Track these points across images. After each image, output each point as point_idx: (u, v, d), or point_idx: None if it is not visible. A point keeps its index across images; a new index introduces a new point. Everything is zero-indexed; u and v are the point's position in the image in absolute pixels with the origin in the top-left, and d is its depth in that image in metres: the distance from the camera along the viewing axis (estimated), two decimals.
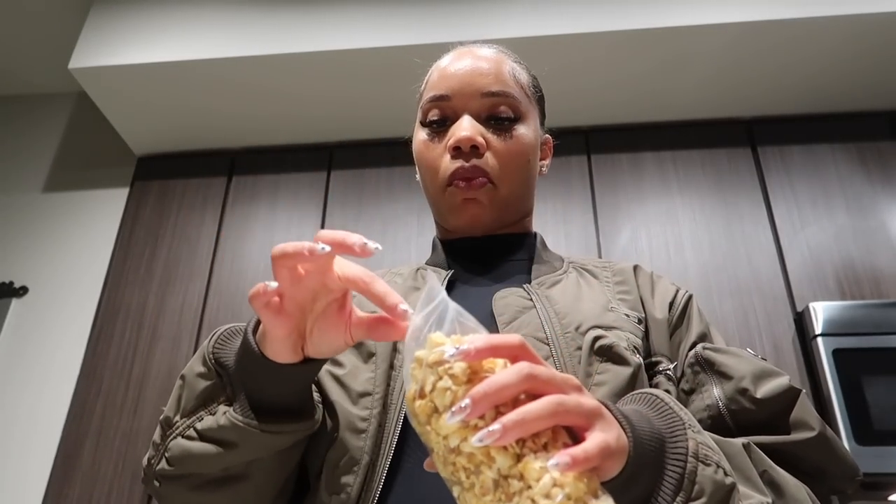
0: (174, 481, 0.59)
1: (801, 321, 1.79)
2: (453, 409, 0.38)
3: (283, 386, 0.56)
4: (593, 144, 2.16)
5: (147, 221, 2.19)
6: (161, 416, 0.61)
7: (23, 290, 2.21)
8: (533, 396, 0.40)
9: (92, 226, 2.29)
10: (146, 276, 2.09)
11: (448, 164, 0.73)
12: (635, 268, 0.78)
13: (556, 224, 2.02)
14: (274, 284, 0.48)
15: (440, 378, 0.40)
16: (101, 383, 1.93)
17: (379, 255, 2.02)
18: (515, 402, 0.39)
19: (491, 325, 0.65)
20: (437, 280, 0.45)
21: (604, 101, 2.13)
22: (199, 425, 0.58)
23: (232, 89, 2.07)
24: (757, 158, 2.09)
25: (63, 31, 2.35)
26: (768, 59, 1.97)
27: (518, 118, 0.75)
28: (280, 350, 0.52)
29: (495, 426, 0.37)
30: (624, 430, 0.43)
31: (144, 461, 0.62)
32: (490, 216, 0.74)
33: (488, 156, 0.72)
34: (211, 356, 0.59)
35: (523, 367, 0.40)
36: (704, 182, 2.07)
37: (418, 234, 2.06)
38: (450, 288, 0.73)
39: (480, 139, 0.71)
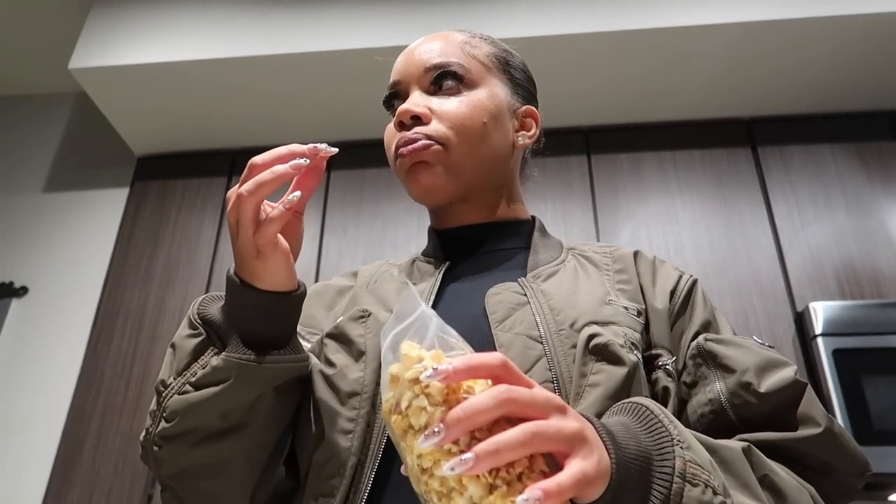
0: (174, 441, 0.59)
1: (801, 321, 1.79)
2: (426, 432, 0.37)
3: (272, 319, 0.59)
4: (593, 144, 2.16)
5: (147, 221, 2.19)
6: (155, 384, 0.62)
7: (23, 290, 2.20)
8: (512, 420, 0.39)
9: (92, 226, 2.29)
10: (146, 276, 2.09)
11: (394, 138, 0.73)
12: (636, 254, 0.76)
13: (556, 224, 2.02)
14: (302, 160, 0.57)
15: (416, 396, 0.39)
16: (101, 383, 1.93)
17: (379, 256, 2.02)
18: (493, 426, 0.38)
19: (483, 323, 0.64)
20: (415, 291, 0.44)
21: (604, 101, 2.13)
22: (192, 379, 0.59)
23: (232, 89, 2.07)
24: (757, 158, 2.09)
25: (63, 31, 2.35)
26: (768, 59, 1.97)
27: (466, 84, 0.73)
28: (279, 274, 0.58)
29: (468, 455, 0.36)
30: (608, 451, 0.42)
31: (142, 436, 0.62)
32: (445, 180, 0.70)
33: (434, 122, 0.71)
34: (196, 316, 0.61)
35: (501, 390, 0.38)
36: (704, 182, 2.07)
37: (418, 233, 2.06)
38: (444, 282, 0.71)
39: (421, 109, 0.70)
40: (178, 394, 0.59)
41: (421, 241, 2.04)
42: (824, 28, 1.86)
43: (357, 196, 2.15)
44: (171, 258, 2.11)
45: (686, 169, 2.10)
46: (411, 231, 2.07)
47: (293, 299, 0.60)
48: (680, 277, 0.72)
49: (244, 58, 1.97)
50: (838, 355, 1.67)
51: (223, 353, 0.58)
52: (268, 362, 0.58)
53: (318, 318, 0.74)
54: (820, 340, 1.70)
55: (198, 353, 0.60)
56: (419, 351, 0.41)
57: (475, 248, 0.75)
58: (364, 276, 0.79)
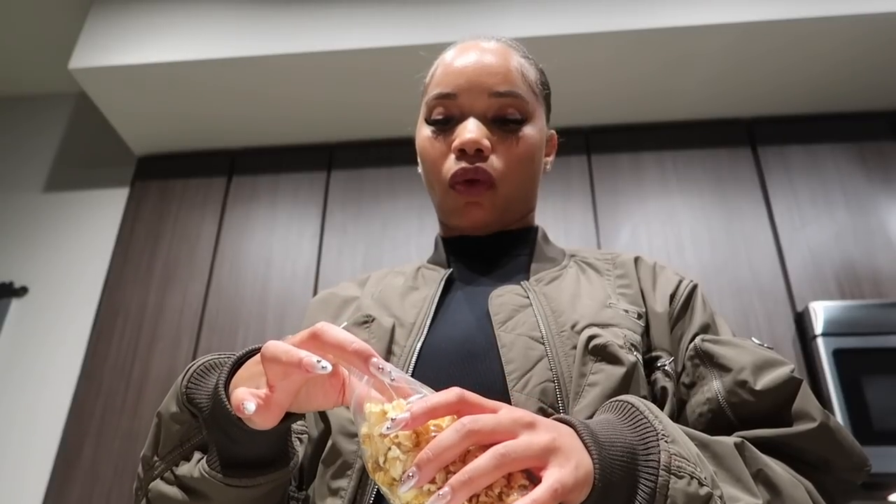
0: None
1: (801, 321, 1.79)
2: (402, 478, 0.39)
3: (258, 444, 0.54)
4: (593, 144, 2.16)
5: (147, 221, 2.19)
6: (141, 453, 0.60)
7: (23, 290, 2.20)
8: (486, 446, 0.40)
9: (92, 226, 2.29)
10: (146, 276, 2.09)
11: (451, 164, 0.72)
12: (636, 260, 0.77)
13: (556, 224, 2.02)
14: (251, 407, 0.45)
15: (389, 449, 0.41)
16: (101, 383, 1.93)
17: (379, 256, 2.02)
18: (466, 456, 0.40)
19: (487, 325, 0.65)
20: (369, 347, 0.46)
21: (604, 101, 2.13)
22: (176, 470, 0.56)
23: (232, 89, 2.07)
24: (757, 158, 2.09)
25: (63, 31, 2.35)
26: (769, 59, 1.97)
27: (525, 119, 0.73)
28: (260, 426, 0.49)
29: (444, 489, 0.38)
30: (590, 452, 0.43)
31: (133, 489, 0.62)
32: (492, 217, 0.74)
33: (493, 158, 0.71)
34: (184, 397, 0.57)
35: (463, 423, 0.40)
36: (704, 182, 2.07)
37: (418, 233, 2.06)
38: (448, 287, 0.73)
39: (486, 143, 0.70)
40: (161, 478, 0.57)
41: (421, 241, 2.04)
42: (824, 28, 1.86)
43: (357, 196, 2.15)
44: (171, 258, 2.11)
45: (686, 169, 2.10)
46: (411, 230, 2.07)
47: (275, 431, 0.52)
48: (680, 282, 0.73)
49: (244, 58, 1.97)
50: (838, 355, 1.67)
51: (202, 464, 0.55)
52: (244, 486, 0.54)
53: None
54: (820, 340, 1.70)
55: (182, 439, 0.57)
56: (382, 406, 0.43)
57: (481, 255, 0.77)
58: (370, 285, 0.80)
